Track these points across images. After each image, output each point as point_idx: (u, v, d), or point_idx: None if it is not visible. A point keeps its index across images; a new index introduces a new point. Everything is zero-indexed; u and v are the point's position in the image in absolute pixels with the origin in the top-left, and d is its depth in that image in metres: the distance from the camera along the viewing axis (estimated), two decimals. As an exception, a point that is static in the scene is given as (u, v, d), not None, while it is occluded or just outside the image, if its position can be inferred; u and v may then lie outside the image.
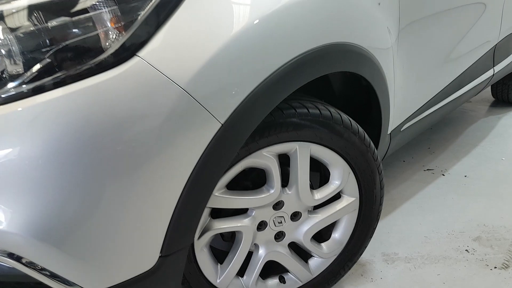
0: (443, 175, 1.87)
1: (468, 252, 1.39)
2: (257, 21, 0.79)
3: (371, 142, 1.06)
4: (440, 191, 1.74)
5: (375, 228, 1.18)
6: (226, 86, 0.76)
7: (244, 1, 0.81)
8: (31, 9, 0.64)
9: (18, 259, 0.69)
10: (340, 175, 1.06)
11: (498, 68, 1.90)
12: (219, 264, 1.04)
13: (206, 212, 0.95)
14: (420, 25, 1.24)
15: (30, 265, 0.69)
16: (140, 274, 0.76)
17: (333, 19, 0.92)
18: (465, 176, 1.85)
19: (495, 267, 1.32)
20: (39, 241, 0.67)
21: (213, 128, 0.74)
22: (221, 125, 0.75)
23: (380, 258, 1.37)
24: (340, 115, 1.00)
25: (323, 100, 1.07)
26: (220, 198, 0.95)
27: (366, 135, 1.05)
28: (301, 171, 1.01)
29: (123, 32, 0.66)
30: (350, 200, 1.11)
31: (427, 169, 1.91)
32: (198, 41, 0.73)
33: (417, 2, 1.20)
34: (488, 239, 1.45)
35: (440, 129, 2.32)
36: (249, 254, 1.07)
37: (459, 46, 1.52)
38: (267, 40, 0.81)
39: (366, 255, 1.37)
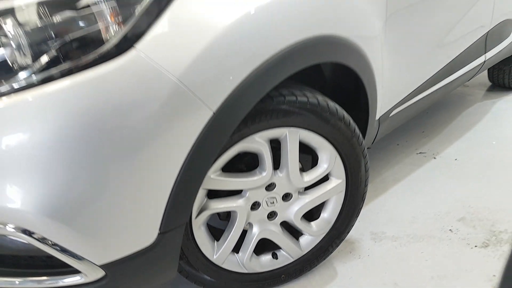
0: (435, 158, 1.93)
1: (452, 231, 1.47)
2: (249, 12, 0.85)
3: (356, 128, 1.12)
4: (430, 174, 1.81)
5: (361, 208, 1.25)
6: (218, 76, 0.83)
7: None
8: (38, 5, 0.70)
9: (31, 234, 0.77)
10: (328, 158, 1.13)
11: (489, 54, 1.93)
12: (215, 241, 1.13)
13: (202, 193, 1.03)
14: (408, 13, 1.29)
15: (42, 240, 0.77)
16: (141, 250, 0.84)
17: (319, 12, 0.97)
18: (456, 159, 1.91)
19: (475, 246, 1.40)
20: (49, 218, 0.75)
21: (206, 116, 0.81)
22: (213, 113, 0.82)
23: (369, 236, 1.45)
24: (327, 103, 1.06)
25: (316, 86, 1.14)
26: (216, 180, 1.02)
27: (352, 122, 1.11)
28: (291, 155, 1.08)
29: (122, 26, 0.72)
30: (337, 182, 1.18)
31: (420, 152, 1.98)
32: (192, 33, 0.79)
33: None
34: (471, 219, 1.53)
35: (436, 112, 2.37)
36: (244, 233, 1.16)
37: (450, 33, 1.56)
38: (258, 31, 0.87)
39: (355, 234, 1.45)
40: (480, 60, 1.88)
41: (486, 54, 1.91)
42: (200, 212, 1.05)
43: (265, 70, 0.88)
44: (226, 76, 0.84)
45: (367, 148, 1.38)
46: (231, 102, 0.84)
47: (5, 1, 0.71)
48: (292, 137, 1.06)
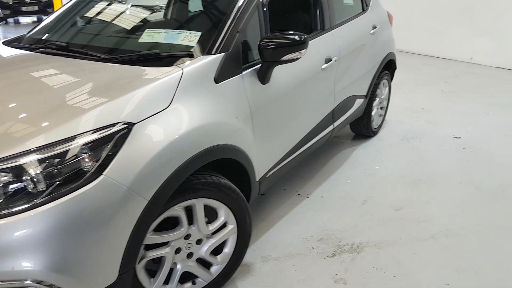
0: (308, 197, 2.71)
1: (314, 249, 2.22)
2: (176, 136, 1.51)
3: (240, 193, 1.81)
4: (303, 209, 2.58)
5: (249, 242, 1.93)
6: (152, 178, 1.45)
7: (165, 128, 1.50)
8: (49, 158, 1.28)
9: (42, 283, 1.29)
10: (223, 213, 1.80)
11: (336, 123, 2.81)
12: (152, 278, 1.70)
13: (142, 247, 1.62)
14: (267, 120, 2.03)
15: (50, 285, 1.29)
16: (109, 285, 1.40)
17: (212, 133, 1.67)
18: (321, 197, 2.72)
19: (327, 256, 2.16)
20: (54, 272, 1.28)
21: (143, 203, 1.43)
22: (148, 201, 1.44)
23: (260, 259, 2.13)
24: (220, 180, 1.74)
25: (222, 165, 1.81)
26: (151, 237, 1.62)
27: (238, 190, 1.80)
28: (199, 215, 1.72)
29: (95, 164, 1.32)
30: (231, 227, 1.85)
31: (298, 194, 2.75)
32: (135, 158, 1.41)
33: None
34: (326, 239, 2.30)
35: (313, 160, 3.20)
36: (171, 269, 1.75)
37: (302, 118, 2.37)
38: (180, 147, 1.52)
39: (251, 259, 2.12)
40: (330, 128, 2.74)
41: (334, 123, 2.78)
42: (140, 259, 1.63)
43: (185, 166, 1.54)
44: (157, 177, 1.46)
45: (262, 194, 2.09)
46: (159, 191, 1.47)
47: (29, 156, 1.28)
48: (199, 205, 1.71)
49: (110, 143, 1.37)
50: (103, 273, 1.38)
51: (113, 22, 2.24)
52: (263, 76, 1.95)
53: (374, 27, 3.07)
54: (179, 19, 2.32)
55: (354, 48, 2.79)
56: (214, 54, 1.78)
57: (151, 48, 1.86)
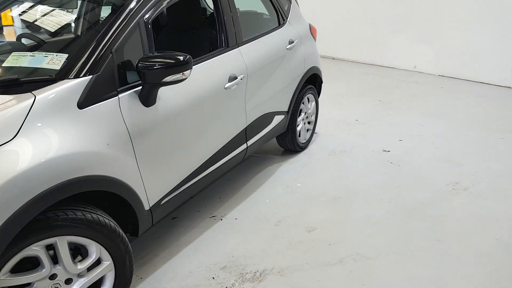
0: (221, 220, 2.60)
1: (214, 279, 2.10)
2: (17, 172, 1.36)
3: (113, 227, 1.68)
4: (214, 234, 2.46)
5: (131, 278, 1.80)
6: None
7: (6, 163, 1.36)
8: None
9: None
10: (94, 251, 1.66)
11: (251, 142, 2.72)
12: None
13: (-7, 292, 1.46)
14: (158, 145, 1.92)
15: None
16: None
17: (70, 164, 1.52)
18: (236, 218, 2.61)
19: (226, 287, 2.05)
20: None
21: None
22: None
23: (153, 294, 2.00)
24: (86, 216, 1.59)
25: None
26: (5, 280, 1.46)
27: (111, 224, 1.67)
28: (63, 254, 1.57)
29: None
30: (107, 264, 1.71)
31: (212, 216, 2.63)
32: None
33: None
34: (230, 266, 2.19)
35: (234, 178, 3.09)
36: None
37: (204, 141, 2.26)
38: (22, 183, 1.37)
39: (143, 294, 1.98)
40: (243, 147, 2.64)
41: (248, 142, 2.69)
42: (-6, 306, 1.47)
43: (30, 204, 1.39)
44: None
45: (173, 218, 1.92)
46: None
47: None
48: (61, 243, 1.56)
49: None
50: None
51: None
52: (146, 99, 1.84)
53: (291, 42, 3.02)
54: (55, 41, 2.18)
55: (266, 64, 2.72)
56: (81, 77, 1.65)
57: (15, 72, 1.71)
